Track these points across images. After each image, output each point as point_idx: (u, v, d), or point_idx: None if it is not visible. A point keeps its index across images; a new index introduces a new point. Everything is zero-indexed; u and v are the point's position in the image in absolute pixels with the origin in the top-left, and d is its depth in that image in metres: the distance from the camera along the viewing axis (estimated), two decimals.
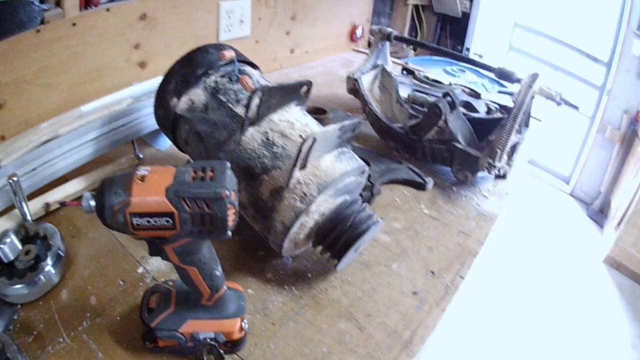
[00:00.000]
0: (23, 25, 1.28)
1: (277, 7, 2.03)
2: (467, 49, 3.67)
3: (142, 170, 0.69)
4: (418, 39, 3.39)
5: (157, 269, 1.01)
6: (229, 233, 0.70)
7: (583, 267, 3.17)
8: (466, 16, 3.67)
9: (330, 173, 0.93)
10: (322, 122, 1.09)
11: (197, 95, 1.05)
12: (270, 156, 0.94)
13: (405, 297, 1.01)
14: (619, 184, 3.46)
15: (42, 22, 1.32)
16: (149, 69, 1.60)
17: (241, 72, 1.08)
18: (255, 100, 0.94)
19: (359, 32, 2.51)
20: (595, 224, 3.60)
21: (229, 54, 1.06)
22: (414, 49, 3.07)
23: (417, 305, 1.00)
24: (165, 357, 0.84)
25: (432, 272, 1.09)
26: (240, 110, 0.99)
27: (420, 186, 1.37)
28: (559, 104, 1.41)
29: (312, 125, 1.01)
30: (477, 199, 1.37)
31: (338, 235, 0.94)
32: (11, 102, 1.31)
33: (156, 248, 0.74)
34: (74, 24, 1.39)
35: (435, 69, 2.19)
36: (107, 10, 1.47)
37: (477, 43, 3.68)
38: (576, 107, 1.50)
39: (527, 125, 1.40)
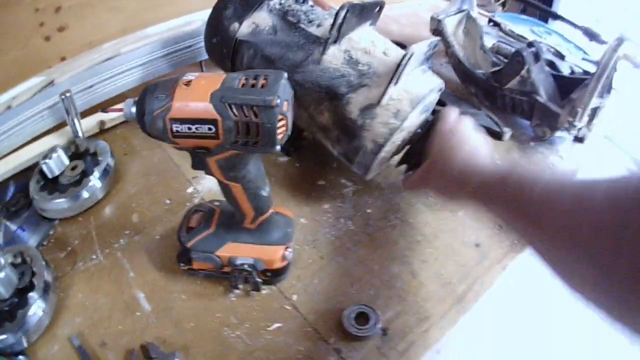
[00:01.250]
0: None
1: None
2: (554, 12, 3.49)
3: (190, 75, 0.64)
4: None
5: (209, 189, 0.98)
6: (278, 147, 0.64)
7: None
8: None
9: (420, 88, 0.89)
10: None
11: (262, 18, 0.99)
12: (356, 74, 0.89)
13: (466, 247, 0.94)
14: None
15: None
16: None
17: None
18: (340, 18, 0.89)
19: None
20: None
21: None
22: (503, 5, 2.97)
23: (477, 259, 0.92)
24: (198, 281, 0.82)
25: (500, 226, 1.00)
26: (315, 29, 0.95)
27: (497, 135, 1.29)
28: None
29: (390, 43, 0.96)
30: (553, 158, 1.29)
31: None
32: (74, 25, 1.27)
33: (199, 160, 0.69)
34: None
35: (522, 28, 2.08)
36: None
37: (564, 10, 3.49)
38: None
39: (608, 91, 1.33)
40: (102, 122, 1.10)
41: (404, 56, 0.82)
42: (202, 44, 1.16)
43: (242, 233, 0.77)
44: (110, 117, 1.12)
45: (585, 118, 1.25)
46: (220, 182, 0.72)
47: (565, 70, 1.47)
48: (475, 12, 1.60)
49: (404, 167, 0.96)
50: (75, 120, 1.02)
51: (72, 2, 1.22)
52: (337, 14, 0.89)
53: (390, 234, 0.94)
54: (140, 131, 0.67)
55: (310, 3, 1.01)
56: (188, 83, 0.63)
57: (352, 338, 0.76)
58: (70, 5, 1.22)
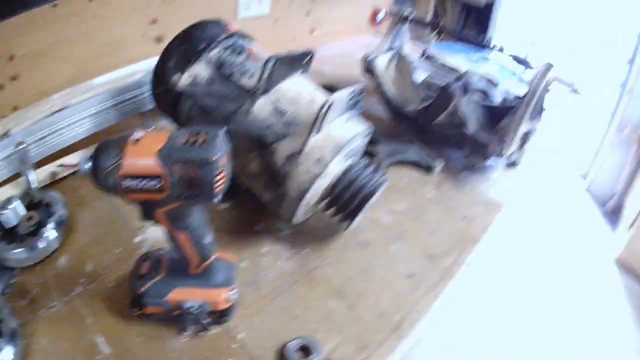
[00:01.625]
0: (39, 0, 1.28)
1: None
2: (489, 40, 3.54)
3: (138, 133, 0.70)
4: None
5: (155, 238, 1.01)
6: (217, 198, 0.71)
7: (592, 266, 3.13)
8: (489, 7, 3.53)
9: (342, 135, 0.97)
10: None
11: (200, 70, 1.05)
12: (281, 124, 0.97)
13: (400, 279, 1.01)
14: (634, 185, 3.37)
15: None
16: (166, 44, 1.60)
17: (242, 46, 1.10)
18: (267, 70, 0.96)
19: (380, 15, 2.39)
20: (609, 223, 3.50)
21: (233, 27, 1.08)
22: (438, 35, 3.06)
23: (411, 289, 0.99)
24: (152, 325, 0.85)
25: (431, 256, 1.08)
26: (246, 81, 1.01)
27: (428, 169, 1.37)
28: (573, 91, 1.39)
29: (318, 91, 1.03)
30: (485, 186, 1.36)
31: (352, 195, 0.99)
32: (26, 74, 1.33)
33: (147, 212, 0.75)
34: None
35: (457, 57, 2.15)
36: None
37: (500, 34, 3.58)
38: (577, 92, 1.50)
39: (539, 114, 1.39)
40: (54, 173, 1.14)
41: (322, 106, 0.89)
42: (147, 93, 1.21)
43: (188, 278, 0.82)
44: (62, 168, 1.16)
45: (515, 145, 1.30)
46: (167, 231, 0.77)
47: (498, 98, 1.54)
48: (407, 49, 1.65)
49: (332, 210, 1.02)
50: (30, 172, 1.05)
51: (24, 50, 1.27)
52: (264, 67, 0.95)
53: (326, 272, 1.00)
54: (89, 183, 0.71)
55: (246, 54, 1.07)
56: (136, 141, 0.68)
57: None
58: (23, 54, 1.26)
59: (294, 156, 0.93)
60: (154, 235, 1.01)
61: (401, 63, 1.62)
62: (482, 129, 1.34)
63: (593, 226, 3.47)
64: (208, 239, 0.79)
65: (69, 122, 1.15)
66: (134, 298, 0.83)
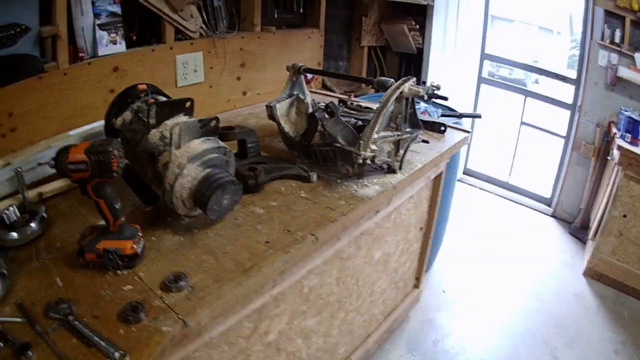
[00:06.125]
0: (29, 73, 1.82)
1: (226, 57, 2.49)
2: (424, 82, 3.82)
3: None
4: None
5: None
6: (115, 174, 1.26)
7: (566, 284, 3.33)
8: (420, 52, 3.96)
9: (195, 149, 1.47)
10: (228, 136, 1.71)
11: (127, 115, 1.63)
12: (163, 145, 1.51)
13: (258, 244, 1.47)
14: (598, 197, 3.59)
15: (43, 71, 1.91)
16: None
17: (153, 98, 1.67)
18: (153, 111, 1.50)
19: (309, 75, 2.79)
20: (578, 241, 3.75)
21: (142, 87, 1.66)
22: (376, 90, 3.32)
23: (265, 250, 1.44)
24: (89, 271, 1.34)
25: (289, 231, 1.52)
26: (150, 121, 1.57)
27: (305, 179, 1.75)
28: (426, 100, 1.74)
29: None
30: (357, 187, 1.75)
31: (203, 191, 1.45)
32: (20, 128, 1.83)
33: (82, 188, 1.29)
34: (65, 74, 1.92)
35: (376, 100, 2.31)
36: (89, 64, 2.00)
37: (436, 75, 3.95)
38: (445, 98, 1.84)
39: (416, 126, 1.76)
40: (40, 193, 1.66)
41: (172, 128, 1.43)
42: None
43: (109, 234, 1.34)
44: (47, 189, 1.67)
45: (371, 146, 1.64)
46: (94, 201, 1.30)
47: None
48: (307, 95, 2.07)
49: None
50: (24, 190, 1.55)
51: (20, 110, 1.86)
52: (148, 109, 1.49)
53: (205, 240, 1.49)
54: (65, 201, 1.37)
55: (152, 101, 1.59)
56: (76, 146, 1.25)
57: (168, 289, 1.26)
58: (18, 113, 1.86)
59: (167, 164, 1.44)
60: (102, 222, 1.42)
61: (300, 106, 2.04)
62: (351, 143, 1.69)
63: (562, 247, 3.71)
64: (117, 205, 1.31)
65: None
66: (79, 250, 1.33)
